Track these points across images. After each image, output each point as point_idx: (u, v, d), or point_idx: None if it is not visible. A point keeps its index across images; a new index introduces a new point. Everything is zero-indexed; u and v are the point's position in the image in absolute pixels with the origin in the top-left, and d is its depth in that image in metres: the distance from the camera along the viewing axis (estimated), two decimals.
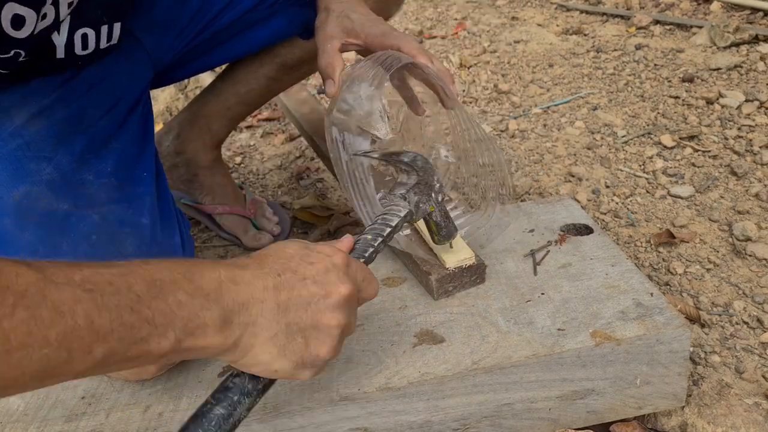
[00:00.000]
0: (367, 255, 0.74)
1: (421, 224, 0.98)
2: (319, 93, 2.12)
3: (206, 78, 1.96)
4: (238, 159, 1.77)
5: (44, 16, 0.74)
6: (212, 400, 0.61)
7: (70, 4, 0.76)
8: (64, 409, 0.78)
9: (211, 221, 1.35)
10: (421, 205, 0.82)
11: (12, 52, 0.74)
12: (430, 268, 0.89)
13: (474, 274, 0.90)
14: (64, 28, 0.80)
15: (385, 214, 0.80)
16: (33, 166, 0.80)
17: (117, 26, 0.86)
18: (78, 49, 0.82)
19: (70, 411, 0.78)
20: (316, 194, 1.52)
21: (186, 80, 2.14)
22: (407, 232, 1.00)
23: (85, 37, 0.83)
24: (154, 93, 2.20)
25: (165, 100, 2.14)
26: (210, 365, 0.82)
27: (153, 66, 1.01)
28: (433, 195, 0.84)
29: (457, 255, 0.89)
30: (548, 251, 0.96)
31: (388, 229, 0.77)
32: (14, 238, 0.78)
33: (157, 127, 1.44)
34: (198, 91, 1.47)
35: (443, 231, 0.86)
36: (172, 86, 2.15)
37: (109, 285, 0.48)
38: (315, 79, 2.21)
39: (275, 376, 0.60)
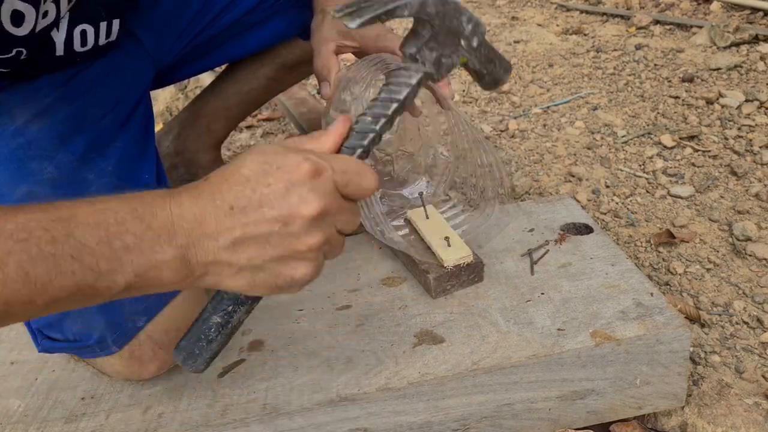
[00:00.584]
0: (365, 142, 0.61)
1: (419, 223, 0.98)
2: (318, 93, 2.12)
3: (206, 78, 1.96)
4: None
5: (45, 14, 0.74)
6: (210, 308, 0.62)
7: (70, 0, 0.76)
8: (64, 410, 0.78)
9: None
10: (443, 60, 0.65)
11: (14, 51, 0.74)
12: (429, 267, 0.90)
13: (472, 272, 0.90)
14: (63, 24, 0.80)
15: (389, 83, 0.64)
16: (35, 165, 0.80)
17: (116, 23, 0.87)
18: (77, 46, 0.82)
19: (70, 412, 0.78)
20: None
21: (186, 80, 2.14)
22: (405, 231, 1.01)
23: (84, 33, 0.83)
24: (154, 93, 2.19)
25: (165, 100, 2.14)
26: (210, 365, 0.82)
27: (154, 66, 1.01)
28: (463, 42, 0.66)
29: (455, 254, 0.90)
30: (547, 251, 0.96)
31: (395, 105, 0.62)
32: None
33: (157, 127, 1.44)
34: (198, 91, 1.47)
35: (486, 78, 0.70)
36: (172, 86, 2.14)
37: (45, 232, 0.47)
38: (315, 79, 2.21)
39: (258, 295, 0.59)
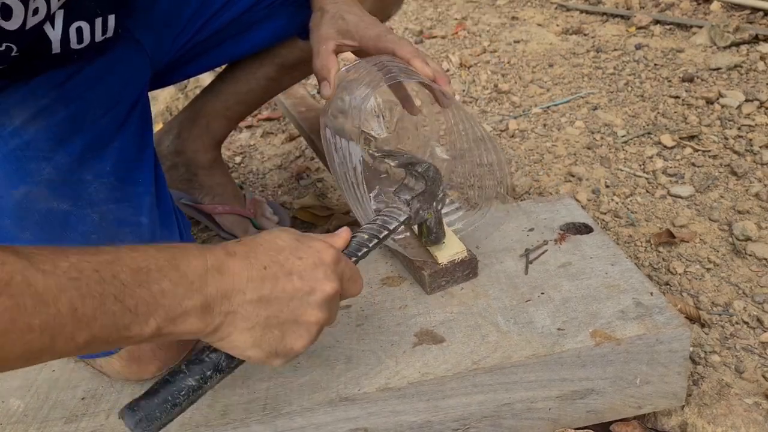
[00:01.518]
0: (360, 254, 0.74)
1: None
2: (318, 93, 2.12)
3: (206, 78, 1.96)
4: (238, 159, 1.77)
5: (36, 11, 0.74)
6: (185, 369, 0.62)
7: None
8: (64, 410, 0.78)
9: (211, 221, 1.35)
10: (420, 212, 0.85)
11: (3, 46, 0.73)
12: (423, 264, 0.90)
13: (467, 268, 0.91)
14: (59, 22, 0.80)
15: (385, 215, 0.81)
16: (33, 165, 0.80)
17: (111, 18, 0.86)
18: (73, 43, 0.82)
19: (70, 412, 0.78)
20: (316, 194, 1.52)
21: (186, 80, 2.14)
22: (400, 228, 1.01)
23: (80, 30, 0.83)
24: (154, 93, 2.20)
25: (165, 100, 2.14)
26: None
27: (152, 66, 1.01)
28: (434, 204, 0.86)
29: (449, 250, 0.90)
30: (545, 250, 0.96)
31: (385, 232, 0.78)
32: (14, 238, 0.78)
33: (157, 127, 1.44)
34: (198, 91, 1.47)
35: (432, 236, 0.88)
36: (172, 86, 2.15)
37: (95, 273, 0.49)
38: (314, 79, 2.21)
39: (248, 360, 0.62)
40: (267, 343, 0.60)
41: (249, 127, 1.96)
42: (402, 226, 0.82)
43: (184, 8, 1.02)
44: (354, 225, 1.34)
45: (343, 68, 0.92)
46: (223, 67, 1.30)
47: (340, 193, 1.50)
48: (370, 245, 0.76)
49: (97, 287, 0.49)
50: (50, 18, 0.78)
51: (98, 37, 0.85)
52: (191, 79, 2.13)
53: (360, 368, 0.78)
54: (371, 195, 1.08)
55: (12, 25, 0.71)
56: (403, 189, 0.85)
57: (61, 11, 0.79)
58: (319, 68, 0.87)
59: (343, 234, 0.73)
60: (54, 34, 0.80)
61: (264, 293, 0.59)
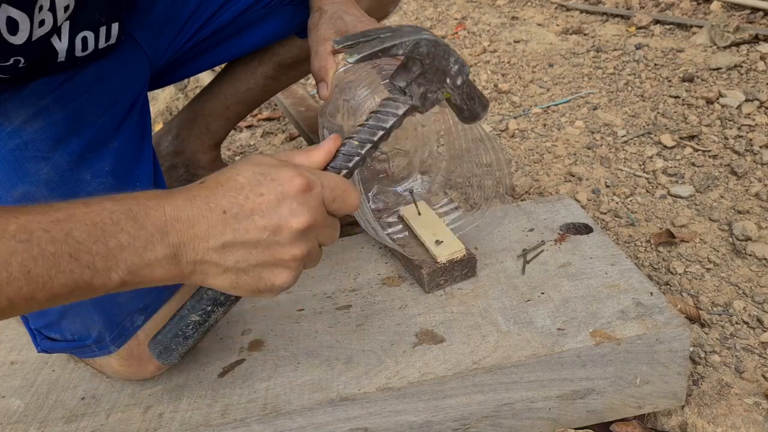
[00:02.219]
0: (351, 165, 0.67)
1: (411, 219, 0.99)
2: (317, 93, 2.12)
3: (206, 77, 1.96)
4: (238, 158, 1.77)
5: (42, 23, 0.74)
6: (189, 306, 0.66)
7: (66, 8, 0.77)
8: (65, 410, 0.78)
9: None
10: (429, 95, 0.72)
11: (11, 60, 0.74)
12: (422, 262, 0.90)
13: (465, 267, 0.91)
14: (65, 33, 0.81)
15: (378, 113, 0.70)
16: (31, 166, 0.80)
17: (115, 26, 0.87)
18: (78, 52, 0.83)
19: (70, 412, 0.78)
20: None
21: (186, 80, 2.14)
22: (399, 227, 1.01)
23: (85, 39, 0.84)
24: (154, 93, 2.19)
25: (165, 99, 2.14)
26: (210, 365, 0.82)
27: (151, 66, 1.01)
28: (448, 80, 0.73)
29: (447, 249, 0.91)
30: (541, 250, 0.96)
31: (381, 132, 0.68)
32: None
33: (157, 127, 1.44)
34: (198, 91, 1.47)
35: (466, 113, 0.77)
36: (172, 86, 2.14)
37: (45, 233, 0.49)
38: (314, 79, 2.21)
39: (238, 296, 0.63)
40: (245, 284, 0.60)
41: (249, 126, 1.96)
42: (410, 115, 0.71)
43: (182, 9, 1.02)
44: (354, 225, 1.34)
45: (341, 68, 0.92)
46: (223, 66, 1.30)
47: None
48: (363, 152, 0.67)
49: (49, 247, 0.49)
50: (57, 30, 0.79)
51: (102, 44, 0.86)
52: (191, 79, 2.13)
53: (360, 368, 0.78)
54: (370, 195, 1.08)
55: (18, 39, 0.72)
56: (396, 75, 0.71)
57: (67, 23, 0.80)
58: (317, 69, 0.87)
59: (325, 146, 0.66)
60: (61, 45, 0.81)
61: (227, 239, 0.57)
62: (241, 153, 1.81)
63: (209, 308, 0.64)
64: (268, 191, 0.58)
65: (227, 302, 0.65)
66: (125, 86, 0.93)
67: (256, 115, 2.00)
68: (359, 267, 0.98)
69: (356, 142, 0.67)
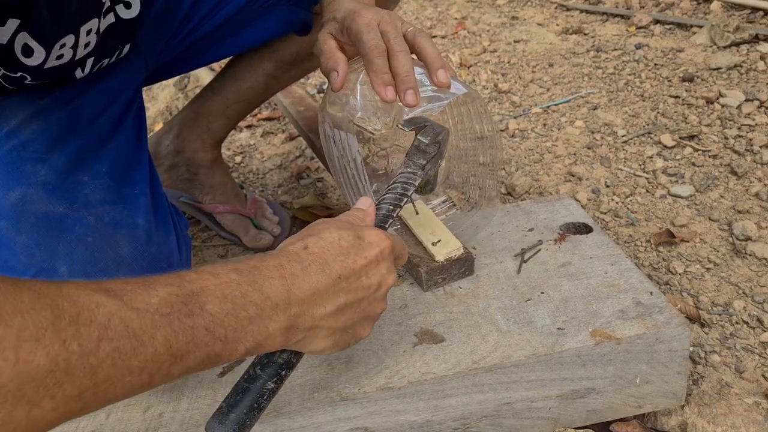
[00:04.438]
0: (386, 226, 0.76)
1: (409, 218, 0.99)
2: (318, 92, 2.12)
3: (206, 77, 1.96)
4: (238, 158, 1.77)
5: (60, 57, 0.76)
6: (262, 374, 0.63)
7: (86, 45, 0.79)
8: None
9: (211, 220, 1.35)
10: (429, 172, 0.84)
11: (18, 74, 0.75)
12: (420, 261, 0.91)
13: (463, 266, 0.91)
14: (89, 65, 0.84)
15: (403, 182, 0.80)
16: (28, 168, 0.80)
17: (127, 47, 0.90)
18: (91, 71, 0.86)
19: None
20: (316, 193, 1.52)
21: (186, 79, 2.14)
22: (398, 226, 1.01)
23: (102, 63, 0.87)
24: (154, 92, 2.20)
25: (165, 99, 2.14)
26: (209, 371, 0.82)
27: (146, 66, 1.01)
28: (440, 162, 0.86)
29: (445, 247, 0.91)
30: (538, 250, 0.96)
31: (405, 199, 0.78)
32: (11, 240, 0.78)
33: (157, 127, 1.44)
34: (198, 90, 1.47)
35: (429, 187, 0.88)
36: (172, 85, 2.14)
37: (184, 306, 0.49)
38: (314, 79, 2.21)
39: (321, 354, 0.68)
40: (342, 342, 0.64)
41: (249, 126, 1.96)
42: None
43: (178, 8, 1.02)
44: None
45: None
46: (223, 63, 1.30)
47: (340, 193, 1.50)
48: (394, 215, 0.77)
49: (188, 321, 0.49)
50: (81, 63, 0.82)
51: (112, 61, 0.89)
52: (191, 79, 2.13)
53: (360, 368, 0.78)
54: (371, 189, 1.08)
55: (31, 62, 0.74)
56: (417, 152, 0.83)
57: (91, 58, 0.83)
58: (328, 67, 0.84)
59: (371, 210, 0.73)
60: (81, 74, 0.84)
61: (341, 303, 0.61)
62: (241, 153, 1.81)
63: (283, 373, 0.63)
64: (369, 253, 0.64)
65: (297, 363, 0.65)
66: (122, 86, 0.93)
67: (256, 114, 2.00)
68: None
69: (390, 206, 0.77)
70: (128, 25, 0.86)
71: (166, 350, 0.47)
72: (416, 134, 0.84)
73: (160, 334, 0.46)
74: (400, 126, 0.82)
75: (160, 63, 1.06)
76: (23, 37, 0.71)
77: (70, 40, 0.76)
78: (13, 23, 0.68)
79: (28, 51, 0.73)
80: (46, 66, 0.76)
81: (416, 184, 0.80)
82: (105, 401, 0.45)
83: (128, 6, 0.85)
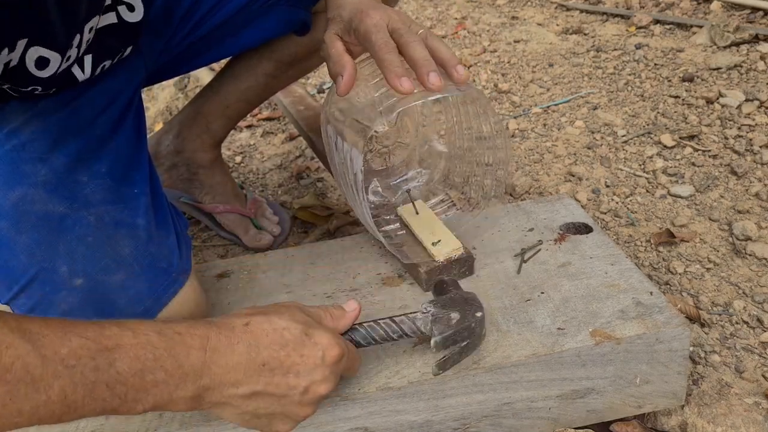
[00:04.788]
0: (364, 344, 0.73)
1: (409, 218, 0.99)
2: (318, 92, 2.12)
3: (206, 77, 1.96)
4: (238, 158, 1.77)
5: (68, 58, 0.76)
6: None
7: (87, 41, 0.79)
8: None
9: (211, 220, 1.35)
10: (436, 338, 0.74)
11: (30, 88, 0.75)
12: (420, 261, 0.90)
13: (463, 266, 0.91)
14: (88, 64, 0.83)
15: (405, 321, 0.74)
16: (28, 167, 0.80)
17: (129, 49, 0.90)
18: (94, 74, 0.86)
19: None
20: (316, 193, 1.52)
21: (186, 79, 2.14)
22: (397, 225, 1.01)
23: (104, 65, 0.87)
24: (154, 92, 2.20)
25: (165, 99, 2.14)
26: None
27: (146, 67, 1.01)
28: (465, 353, 0.76)
29: (445, 247, 0.91)
30: (538, 250, 0.96)
31: (396, 337, 0.74)
32: (11, 241, 0.78)
33: (157, 127, 1.44)
34: (198, 90, 1.47)
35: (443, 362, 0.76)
36: (172, 85, 2.14)
37: (92, 360, 0.51)
38: (314, 78, 2.21)
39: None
40: (254, 425, 0.64)
41: (249, 126, 1.96)
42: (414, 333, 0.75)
43: (176, 9, 1.02)
44: (355, 225, 1.34)
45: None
46: (223, 63, 1.30)
47: (340, 192, 1.50)
48: (377, 341, 0.74)
49: (91, 375, 0.51)
50: (80, 62, 0.81)
51: (114, 62, 0.89)
52: (191, 78, 2.13)
53: (360, 367, 0.78)
54: (369, 187, 1.09)
55: (45, 73, 0.74)
56: (440, 322, 0.74)
57: (90, 56, 0.82)
58: (333, 70, 0.82)
59: (351, 315, 0.72)
60: (83, 75, 0.83)
61: (257, 389, 0.61)
62: (241, 153, 1.81)
63: None
64: (309, 354, 0.63)
65: None
66: (121, 87, 0.93)
67: (256, 114, 2.00)
68: (359, 267, 0.98)
69: (381, 332, 0.73)
70: (131, 28, 0.86)
71: (60, 400, 0.49)
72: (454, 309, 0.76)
73: (57, 384, 0.49)
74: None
75: (159, 63, 1.06)
76: (35, 52, 0.71)
77: (76, 39, 0.76)
78: (21, 43, 0.69)
79: (42, 63, 0.73)
80: (59, 71, 0.76)
81: (415, 328, 0.74)
82: None
83: (131, 8, 0.85)
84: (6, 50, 0.67)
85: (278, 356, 0.61)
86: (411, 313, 0.75)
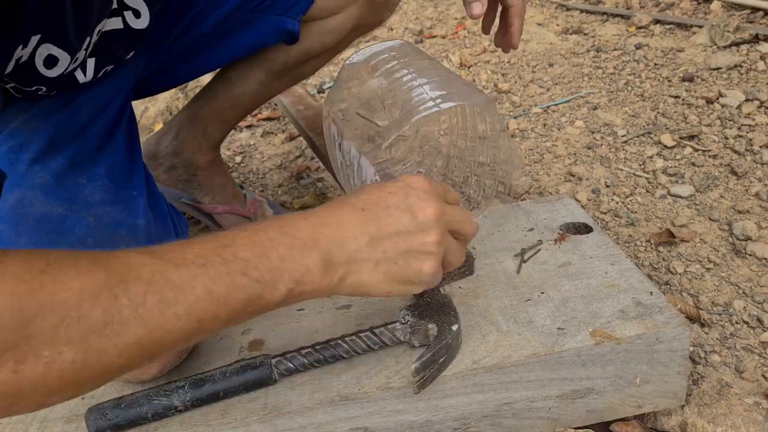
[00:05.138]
0: (347, 357, 0.77)
1: None
2: (318, 92, 2.12)
3: (206, 77, 1.96)
4: (238, 158, 1.77)
5: (77, 59, 0.78)
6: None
7: (93, 44, 0.80)
8: (65, 410, 0.78)
9: (211, 221, 1.35)
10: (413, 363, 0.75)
11: (34, 87, 0.75)
12: None
13: (463, 266, 0.91)
14: (90, 68, 0.84)
15: (384, 333, 0.78)
16: (26, 169, 0.80)
17: (131, 54, 0.91)
18: (95, 77, 0.86)
19: (70, 411, 0.78)
20: (316, 193, 1.52)
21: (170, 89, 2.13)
22: None
23: (107, 70, 0.87)
24: None
25: (165, 99, 2.14)
26: (210, 365, 0.82)
27: (134, 73, 1.01)
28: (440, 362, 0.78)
29: None
30: (538, 249, 0.96)
31: (377, 346, 0.78)
32: (11, 243, 0.78)
33: (157, 127, 1.44)
34: (198, 90, 1.47)
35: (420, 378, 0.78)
36: None
37: (217, 256, 0.55)
38: (314, 79, 2.21)
39: (389, 296, 0.66)
40: (396, 275, 0.64)
41: (249, 126, 1.96)
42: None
43: (166, 14, 1.02)
44: None
45: (350, 59, 0.91)
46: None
47: (341, 193, 1.50)
48: (359, 353, 0.77)
49: (222, 268, 0.54)
50: (83, 66, 0.82)
51: (116, 66, 0.90)
52: None
53: (360, 368, 0.78)
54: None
55: (53, 73, 0.76)
56: (418, 329, 0.78)
57: (93, 59, 0.83)
58: None
59: (456, 196, 0.74)
60: (84, 78, 0.84)
61: (372, 232, 0.62)
62: (241, 153, 1.81)
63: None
64: (394, 188, 0.65)
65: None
66: (116, 90, 0.93)
67: (256, 114, 2.00)
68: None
69: (359, 349, 0.77)
70: (136, 35, 0.86)
71: (206, 295, 0.52)
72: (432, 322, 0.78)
73: (198, 283, 0.52)
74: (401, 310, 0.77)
75: (148, 71, 1.06)
76: (46, 49, 0.71)
77: (87, 41, 0.76)
78: (35, 39, 0.69)
79: (51, 61, 0.73)
80: (66, 71, 0.76)
81: (395, 337, 0.77)
82: (165, 346, 0.51)
83: (137, 15, 0.85)
84: (20, 46, 0.67)
85: (370, 199, 0.64)
86: (390, 323, 0.78)
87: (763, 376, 0.92)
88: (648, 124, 1.62)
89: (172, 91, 2.14)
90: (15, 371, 0.43)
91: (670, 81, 1.81)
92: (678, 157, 1.47)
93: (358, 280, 0.62)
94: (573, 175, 1.46)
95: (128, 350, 0.48)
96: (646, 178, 1.41)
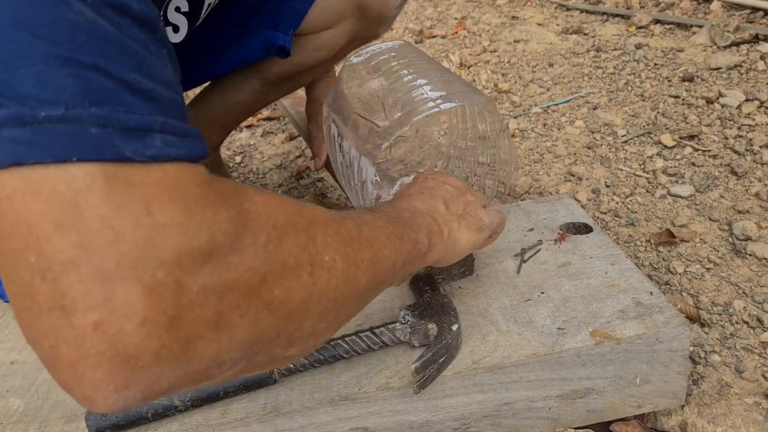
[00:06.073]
0: (347, 357, 0.78)
1: None
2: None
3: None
4: (238, 158, 1.77)
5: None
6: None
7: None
8: (65, 410, 0.78)
9: None
10: (426, 366, 0.75)
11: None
12: None
13: (462, 265, 0.91)
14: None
15: (385, 333, 0.78)
16: None
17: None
18: None
19: (70, 412, 0.78)
20: (316, 193, 1.52)
21: None
22: None
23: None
24: None
25: None
26: None
27: None
28: (439, 363, 0.78)
29: None
30: (538, 249, 0.96)
31: (377, 346, 0.78)
32: None
33: None
34: (197, 90, 1.46)
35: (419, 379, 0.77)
36: None
37: (387, 216, 0.64)
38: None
39: (473, 248, 0.76)
40: (471, 225, 0.75)
41: (249, 126, 1.96)
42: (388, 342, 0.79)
43: None
44: None
45: (350, 60, 0.91)
46: None
47: (341, 193, 1.50)
48: (359, 353, 0.78)
49: (383, 221, 0.61)
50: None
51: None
52: None
53: (360, 367, 0.78)
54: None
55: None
56: (418, 329, 0.79)
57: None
58: (314, 149, 0.92)
59: (501, 217, 0.84)
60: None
61: (437, 202, 0.75)
62: (241, 153, 1.81)
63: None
64: (418, 181, 0.79)
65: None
66: None
67: (256, 114, 2.00)
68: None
69: (363, 345, 0.78)
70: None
71: (374, 243, 0.58)
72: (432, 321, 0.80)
73: (364, 231, 0.57)
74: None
75: None
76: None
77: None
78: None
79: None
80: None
81: (394, 337, 0.78)
82: (367, 287, 0.54)
83: (176, 30, 0.86)
84: None
85: (413, 189, 0.77)
86: (390, 323, 0.79)
87: (763, 376, 0.92)
88: (648, 124, 1.62)
89: None
90: (311, 274, 0.45)
91: (670, 81, 1.81)
92: (678, 157, 1.47)
93: (455, 236, 0.73)
94: (573, 175, 1.46)
95: (369, 269, 0.54)
96: (646, 178, 1.41)
